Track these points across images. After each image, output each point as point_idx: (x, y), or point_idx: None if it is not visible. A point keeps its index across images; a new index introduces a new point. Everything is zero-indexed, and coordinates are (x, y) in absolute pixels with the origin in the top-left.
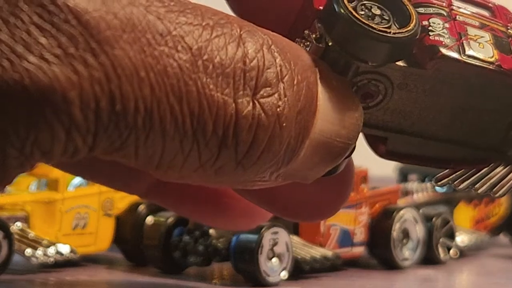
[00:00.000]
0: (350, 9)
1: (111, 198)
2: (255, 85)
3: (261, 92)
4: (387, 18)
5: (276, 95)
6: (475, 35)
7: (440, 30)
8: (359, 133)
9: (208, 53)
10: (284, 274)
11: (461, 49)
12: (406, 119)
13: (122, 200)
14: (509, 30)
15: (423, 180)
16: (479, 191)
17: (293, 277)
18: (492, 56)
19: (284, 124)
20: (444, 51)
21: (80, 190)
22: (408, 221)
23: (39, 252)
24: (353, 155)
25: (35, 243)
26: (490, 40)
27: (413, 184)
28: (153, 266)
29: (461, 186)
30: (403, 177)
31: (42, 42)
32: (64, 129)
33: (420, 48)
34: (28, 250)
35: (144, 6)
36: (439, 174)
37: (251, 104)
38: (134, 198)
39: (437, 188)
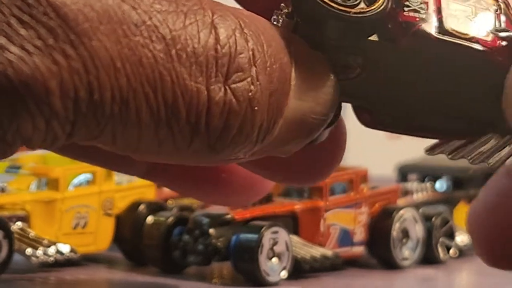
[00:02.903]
0: None
1: (111, 198)
2: (226, 71)
3: (233, 78)
4: None
5: (248, 79)
6: (456, 9)
7: (417, 5)
8: (334, 107)
9: (182, 42)
10: (284, 274)
11: (436, 26)
12: (390, 92)
13: (122, 199)
14: (499, 3)
15: (422, 180)
16: (473, 161)
17: (293, 276)
18: (471, 33)
19: (256, 108)
20: (416, 28)
21: (80, 190)
22: (408, 220)
23: (39, 251)
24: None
25: (35, 243)
26: (471, 15)
27: (412, 184)
28: (153, 265)
29: (454, 156)
30: (403, 176)
31: (23, 33)
32: (44, 118)
33: (394, 24)
34: (28, 250)
35: None
36: (431, 144)
37: (222, 90)
38: (134, 197)
39: (436, 187)
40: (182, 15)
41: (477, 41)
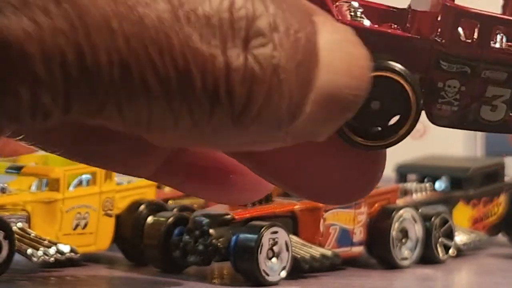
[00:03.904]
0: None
1: (111, 198)
2: (245, 36)
3: (253, 43)
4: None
5: (270, 45)
6: (493, 96)
7: (451, 97)
8: (369, 82)
9: (190, 3)
10: (283, 274)
11: (463, 118)
12: None
13: (123, 200)
14: None
15: (422, 180)
16: None
17: (293, 276)
18: (501, 118)
19: (282, 77)
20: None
21: (81, 190)
22: (407, 220)
23: (40, 251)
24: None
25: (36, 243)
26: (508, 98)
27: (412, 184)
28: (153, 265)
29: None
30: (402, 176)
31: None
32: (26, 86)
33: (429, 113)
34: (29, 250)
35: None
36: None
37: (242, 55)
38: (134, 198)
39: (436, 187)
40: None
41: (502, 125)
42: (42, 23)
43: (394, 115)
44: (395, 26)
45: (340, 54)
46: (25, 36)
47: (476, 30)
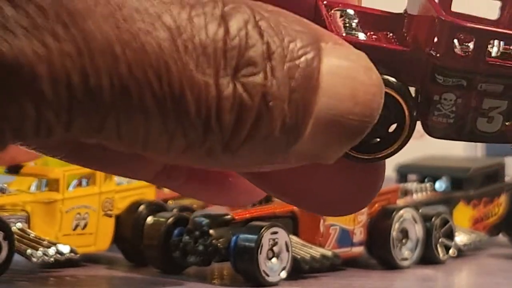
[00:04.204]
0: None
1: (111, 198)
2: (235, 65)
3: (243, 72)
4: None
5: (261, 74)
6: (489, 108)
7: (447, 109)
8: (379, 109)
9: (188, 33)
10: (283, 274)
11: (459, 129)
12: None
13: (122, 200)
14: None
15: (422, 180)
16: None
17: (293, 276)
18: (498, 130)
19: (271, 103)
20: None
21: (80, 190)
22: (407, 221)
23: (40, 252)
24: None
25: (35, 243)
26: (505, 109)
27: (412, 184)
28: (153, 266)
29: None
30: (402, 177)
31: (8, 13)
32: (33, 104)
33: (425, 124)
34: (28, 250)
35: None
36: None
37: (231, 84)
38: (134, 198)
39: (436, 188)
40: (187, 7)
41: (500, 136)
42: (51, 46)
43: (390, 127)
44: (391, 35)
45: (343, 80)
46: (35, 58)
47: (471, 43)
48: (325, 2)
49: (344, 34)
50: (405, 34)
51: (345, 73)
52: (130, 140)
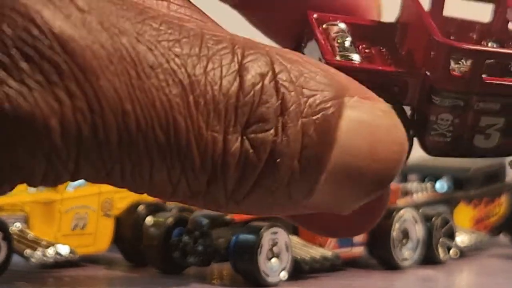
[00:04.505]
0: None
1: (110, 199)
2: (246, 121)
3: (253, 128)
4: None
5: (271, 130)
6: (486, 125)
7: (444, 129)
8: (400, 167)
9: (201, 88)
10: (283, 274)
11: (456, 147)
12: None
13: (122, 200)
14: None
15: (422, 180)
16: None
17: (293, 277)
18: (495, 145)
19: (278, 160)
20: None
21: (79, 191)
22: (408, 221)
23: (38, 252)
24: None
25: (34, 244)
26: (502, 126)
27: (412, 184)
28: (153, 266)
29: None
30: (403, 177)
31: (23, 67)
32: (44, 155)
33: (421, 143)
34: (27, 251)
35: (135, 35)
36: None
37: (239, 140)
38: (133, 198)
39: (437, 188)
40: (204, 60)
41: (497, 151)
42: (64, 101)
43: None
44: (384, 50)
45: (363, 137)
46: (48, 111)
47: (468, 62)
48: (315, 16)
49: (338, 58)
50: (399, 48)
51: (365, 130)
52: (135, 186)
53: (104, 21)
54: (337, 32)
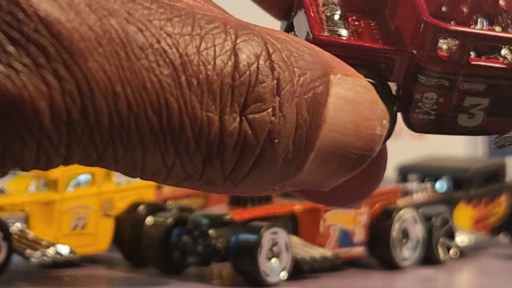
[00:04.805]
0: None
1: (110, 199)
2: (244, 101)
3: (251, 108)
4: None
5: (269, 110)
6: (470, 105)
7: (428, 107)
8: (380, 143)
9: (193, 68)
10: (283, 274)
11: (439, 125)
12: None
13: (122, 200)
14: None
15: (422, 180)
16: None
17: (293, 277)
18: (479, 124)
19: (276, 141)
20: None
21: (79, 191)
22: (408, 221)
23: (38, 252)
24: None
25: (34, 244)
26: (486, 106)
27: (412, 184)
28: (153, 266)
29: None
30: (403, 177)
31: (10, 50)
32: (34, 139)
33: (405, 119)
34: (27, 251)
35: (125, 15)
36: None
37: (237, 120)
38: (133, 198)
39: (436, 188)
40: (198, 39)
41: (482, 130)
42: (52, 84)
43: None
44: (373, 24)
45: (348, 114)
46: (37, 95)
47: (455, 46)
48: None
49: (326, 33)
50: (388, 22)
51: (350, 107)
52: (128, 168)
53: (93, 3)
54: (327, 5)
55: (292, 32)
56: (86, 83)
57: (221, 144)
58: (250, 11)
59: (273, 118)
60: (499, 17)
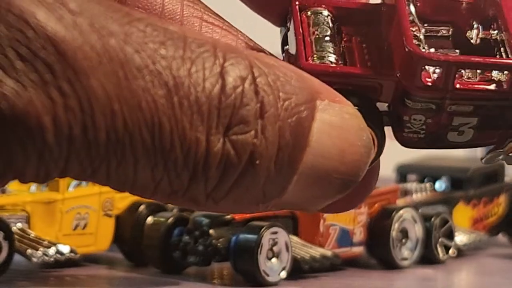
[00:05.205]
0: None
1: (111, 198)
2: (228, 123)
3: (234, 129)
4: None
5: (251, 132)
6: (459, 124)
7: (417, 127)
8: (365, 169)
9: (185, 90)
10: (283, 274)
11: (430, 142)
12: None
13: (122, 200)
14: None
15: (422, 180)
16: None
17: (293, 276)
18: (469, 140)
19: (257, 162)
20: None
21: (80, 190)
22: (407, 221)
23: (40, 252)
24: None
25: (35, 243)
26: (475, 124)
27: (412, 184)
28: (153, 266)
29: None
30: (402, 177)
31: (19, 67)
32: (37, 152)
33: (396, 137)
34: (28, 250)
35: (122, 37)
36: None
37: (221, 141)
38: (134, 198)
39: (436, 188)
40: (188, 62)
41: (473, 145)
42: (56, 100)
43: None
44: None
45: (333, 140)
46: (42, 110)
47: (440, 74)
48: (297, 3)
49: (314, 59)
50: (384, 36)
51: (335, 132)
52: (118, 183)
53: (94, 23)
54: (317, 24)
55: (286, 46)
56: (87, 100)
57: (206, 163)
58: (252, 18)
59: (255, 140)
60: (494, 24)
